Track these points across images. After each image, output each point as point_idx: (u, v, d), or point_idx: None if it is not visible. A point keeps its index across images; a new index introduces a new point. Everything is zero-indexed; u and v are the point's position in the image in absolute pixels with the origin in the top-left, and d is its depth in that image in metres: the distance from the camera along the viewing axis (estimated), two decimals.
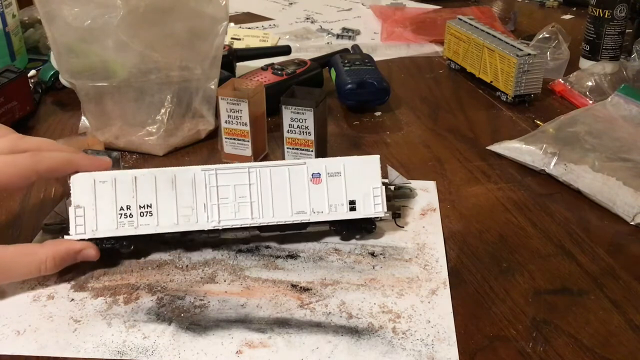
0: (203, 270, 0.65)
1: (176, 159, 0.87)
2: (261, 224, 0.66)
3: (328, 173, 0.67)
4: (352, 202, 0.67)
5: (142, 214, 0.64)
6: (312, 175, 0.67)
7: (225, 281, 0.63)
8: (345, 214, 0.67)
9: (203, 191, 0.65)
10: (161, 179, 0.65)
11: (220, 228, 0.65)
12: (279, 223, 0.66)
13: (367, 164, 0.68)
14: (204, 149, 0.89)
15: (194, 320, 0.58)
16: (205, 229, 0.65)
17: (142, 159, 0.87)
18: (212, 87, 0.89)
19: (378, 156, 0.69)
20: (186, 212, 0.65)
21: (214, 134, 0.90)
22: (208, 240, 0.69)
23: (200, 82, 0.88)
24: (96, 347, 0.55)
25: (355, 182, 0.67)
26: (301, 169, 0.67)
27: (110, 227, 0.63)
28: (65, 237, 0.63)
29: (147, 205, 0.64)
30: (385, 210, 0.67)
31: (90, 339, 0.56)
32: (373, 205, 0.67)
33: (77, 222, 0.63)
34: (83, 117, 0.91)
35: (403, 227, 0.71)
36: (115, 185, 0.64)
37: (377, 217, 0.68)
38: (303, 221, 0.66)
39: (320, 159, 0.69)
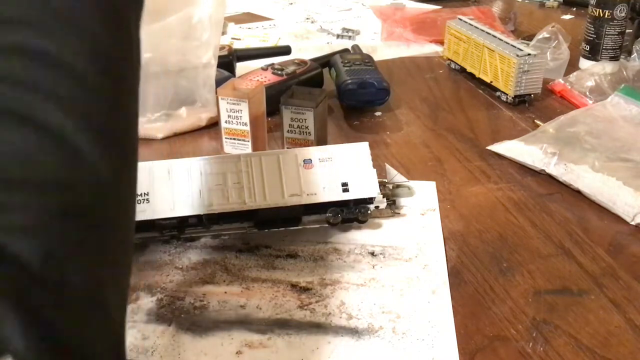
0: (202, 270, 0.65)
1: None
2: (254, 208, 0.67)
3: (319, 159, 0.69)
4: (344, 184, 0.68)
5: (138, 202, 0.65)
6: (303, 161, 0.68)
7: (224, 281, 0.63)
8: (339, 195, 0.68)
9: (198, 178, 0.67)
10: (157, 169, 0.67)
11: (215, 213, 0.66)
12: (273, 206, 0.67)
13: (357, 150, 0.70)
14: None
15: (194, 321, 0.58)
16: (200, 214, 0.66)
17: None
18: (213, 74, 0.89)
19: (367, 143, 0.71)
20: (182, 199, 0.66)
21: (216, 122, 0.90)
22: (206, 235, 0.69)
23: (201, 70, 0.88)
24: None
25: (346, 167, 0.69)
26: (292, 156, 0.69)
27: None
28: None
29: (144, 194, 0.65)
30: (379, 191, 0.69)
31: None
32: (366, 187, 0.69)
33: None
34: None
35: (399, 212, 0.73)
36: None
37: (372, 203, 0.69)
38: (297, 204, 0.67)
39: (310, 148, 0.71)
